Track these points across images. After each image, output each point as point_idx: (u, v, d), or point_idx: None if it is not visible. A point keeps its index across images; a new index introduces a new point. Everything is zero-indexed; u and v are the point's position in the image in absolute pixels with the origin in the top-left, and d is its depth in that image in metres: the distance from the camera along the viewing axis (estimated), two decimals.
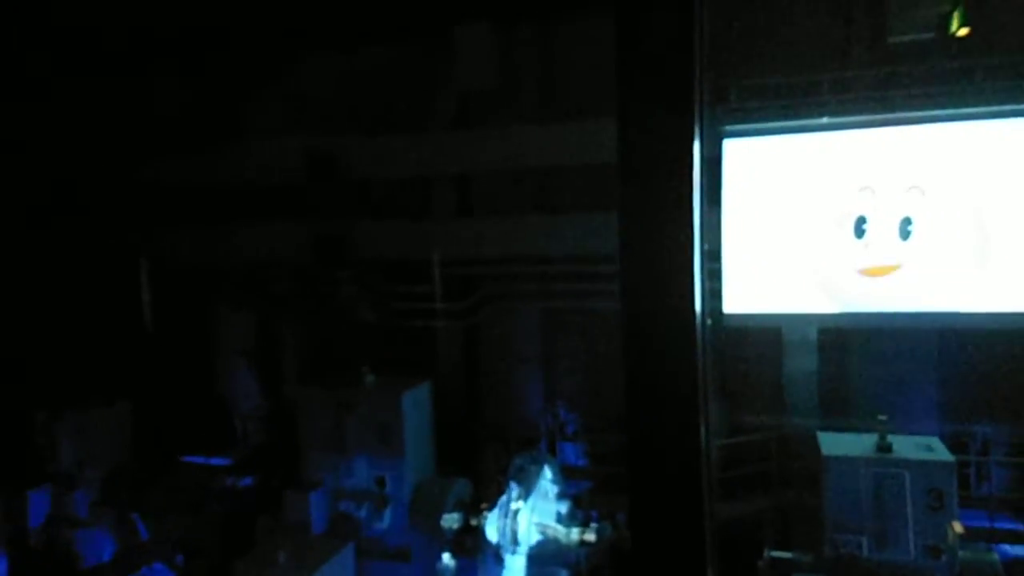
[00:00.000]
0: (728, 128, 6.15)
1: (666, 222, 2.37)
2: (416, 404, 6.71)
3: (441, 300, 7.62)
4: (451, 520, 5.86)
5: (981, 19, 5.89)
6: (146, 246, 8.70)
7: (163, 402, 7.97)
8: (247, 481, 7.37)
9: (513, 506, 5.59)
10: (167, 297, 8.71)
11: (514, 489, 5.68)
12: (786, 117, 6.12)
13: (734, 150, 6.19)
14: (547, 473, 6.06)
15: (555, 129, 7.19)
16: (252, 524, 6.60)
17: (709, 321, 2.70)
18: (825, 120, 6.01)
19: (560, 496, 6.09)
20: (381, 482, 6.49)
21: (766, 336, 6.84)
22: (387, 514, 6.44)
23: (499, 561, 5.71)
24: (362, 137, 7.90)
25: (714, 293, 6.20)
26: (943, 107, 5.77)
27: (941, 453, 5.53)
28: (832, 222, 6.04)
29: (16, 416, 7.24)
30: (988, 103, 5.68)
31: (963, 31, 5.80)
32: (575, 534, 5.68)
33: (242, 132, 8.37)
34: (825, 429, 6.12)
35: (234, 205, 8.37)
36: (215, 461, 7.57)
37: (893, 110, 5.88)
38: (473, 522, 5.79)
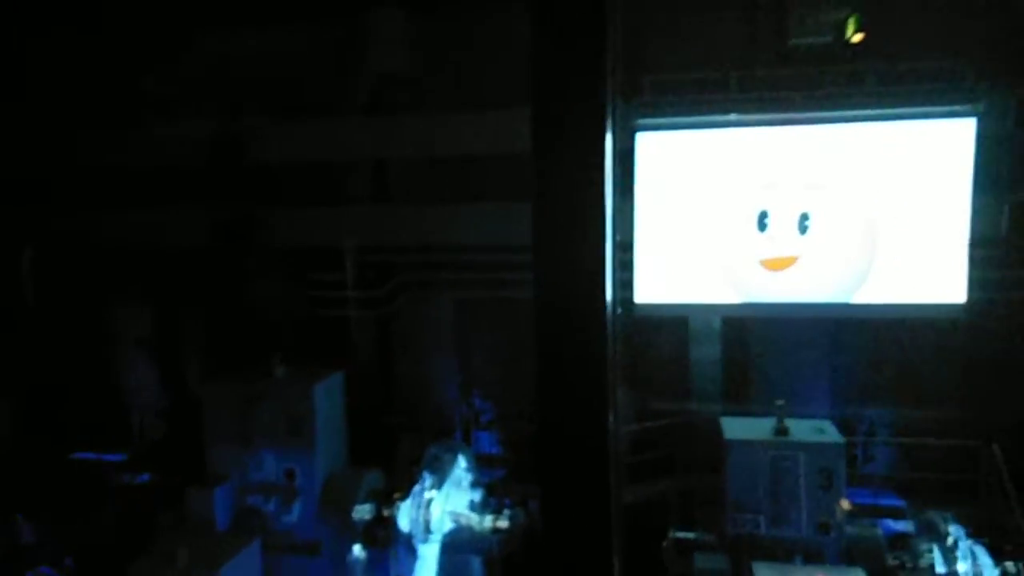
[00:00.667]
0: (641, 122, 6.31)
1: (579, 212, 2.39)
2: (328, 395, 6.57)
3: (356, 289, 7.47)
4: (362, 511, 5.80)
5: (875, 25, 6.27)
6: (34, 228, 8.07)
7: (52, 396, 7.45)
8: (144, 478, 7.01)
9: (426, 495, 5.59)
10: (57, 283, 8.11)
11: (427, 478, 5.68)
12: (697, 113, 6.33)
13: (647, 143, 6.34)
14: (461, 462, 6.08)
15: (473, 117, 7.15)
16: (151, 523, 6.28)
17: (620, 310, 2.75)
18: (733, 117, 6.26)
19: (474, 484, 6.12)
20: (291, 475, 6.33)
21: (674, 325, 7.09)
22: (296, 507, 6.28)
23: (411, 551, 5.69)
24: (274, 120, 7.61)
25: (626, 283, 6.35)
26: (839, 108, 6.12)
27: (832, 435, 5.90)
28: (738, 215, 6.30)
29: None
30: (879, 106, 6.07)
31: (858, 36, 6.18)
32: (488, 521, 5.74)
33: (148, 111, 7.89)
34: (728, 414, 6.42)
35: (139, 188, 7.88)
36: (109, 458, 7.15)
37: (794, 110, 6.19)
38: (386, 513, 5.76)
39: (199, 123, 7.69)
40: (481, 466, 6.52)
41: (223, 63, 7.77)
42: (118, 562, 5.94)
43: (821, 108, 6.14)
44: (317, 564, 6.16)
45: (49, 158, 7.96)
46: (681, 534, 5.83)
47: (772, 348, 6.85)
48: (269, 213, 7.68)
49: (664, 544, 5.75)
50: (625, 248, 6.31)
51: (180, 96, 7.93)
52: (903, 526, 5.78)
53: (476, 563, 5.90)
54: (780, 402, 6.00)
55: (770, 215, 6.22)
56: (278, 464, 6.33)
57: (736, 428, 6.07)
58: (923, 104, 5.97)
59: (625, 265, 6.35)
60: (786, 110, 6.17)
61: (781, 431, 5.91)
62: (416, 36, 7.15)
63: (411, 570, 5.64)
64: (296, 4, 7.53)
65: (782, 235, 6.20)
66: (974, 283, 5.96)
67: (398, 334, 7.82)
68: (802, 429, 5.97)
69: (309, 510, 6.24)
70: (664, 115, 6.36)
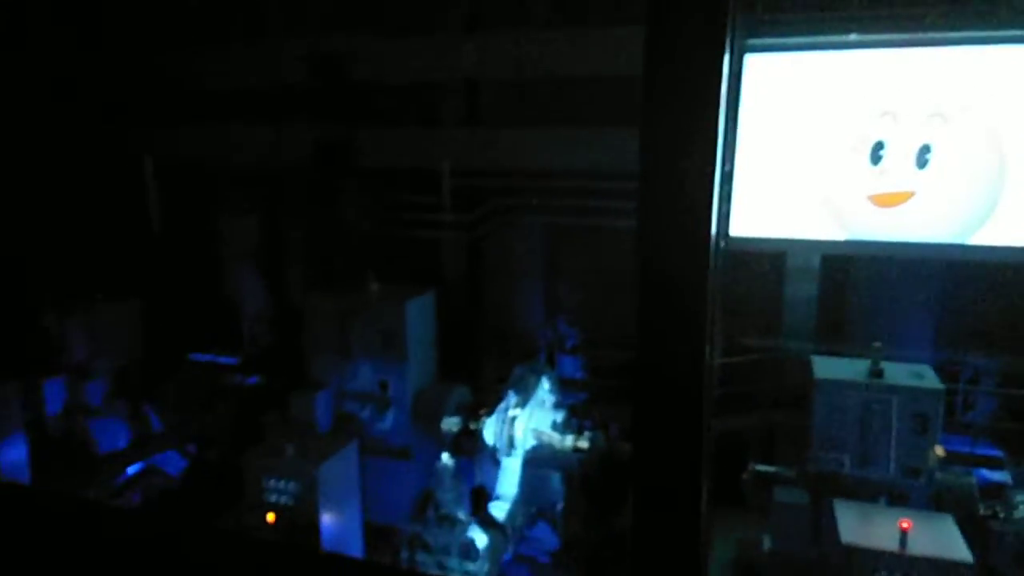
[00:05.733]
0: (751, 42, 5.88)
1: (691, 140, 2.33)
2: (420, 313, 6.78)
3: (448, 211, 7.57)
4: (451, 423, 6.08)
5: None
6: (150, 144, 8.57)
7: (172, 301, 8.07)
8: (253, 380, 7.57)
9: (511, 413, 5.78)
10: (172, 196, 8.66)
11: (512, 397, 5.86)
12: (813, 32, 5.83)
13: (755, 66, 5.95)
14: (545, 383, 6.24)
15: (573, 35, 6.89)
16: (259, 420, 6.84)
17: (724, 244, 2.71)
18: (854, 37, 5.71)
19: (556, 405, 6.29)
20: (384, 386, 6.65)
21: (768, 260, 6.86)
22: (389, 416, 6.64)
23: (495, 462, 5.96)
24: (369, 38, 7.60)
25: (723, 215, 6.14)
26: (977, 28, 5.51)
27: (931, 381, 5.64)
28: (848, 147, 5.90)
29: (29, 309, 7.37)
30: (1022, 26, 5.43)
31: None
32: (569, 441, 5.90)
33: (248, 30, 8.06)
34: (820, 354, 6.24)
35: (240, 105, 8.18)
36: (223, 360, 7.75)
37: (924, 29, 5.60)
38: (472, 426, 6.00)
39: (299, 43, 7.76)
40: (564, 389, 6.68)
41: None
42: (233, 452, 6.57)
43: (956, 27, 5.55)
44: (408, 468, 6.57)
45: (160, 76, 8.33)
46: (761, 467, 5.83)
47: (873, 288, 6.53)
48: (364, 133, 7.79)
49: (744, 476, 5.78)
50: (726, 178, 6.06)
51: (281, 16, 8.03)
52: (999, 476, 5.57)
53: (555, 478, 6.13)
54: (877, 344, 5.76)
55: (886, 147, 5.78)
56: (373, 375, 6.65)
57: (827, 368, 5.89)
58: None
59: (724, 196, 6.12)
60: (915, 29, 5.59)
61: (875, 373, 5.70)
62: None
63: (494, 479, 5.93)
64: None
65: (898, 169, 5.78)
66: None
67: (487, 258, 7.93)
68: (899, 373, 5.73)
69: (401, 419, 6.60)
70: (777, 35, 5.89)
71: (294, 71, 7.80)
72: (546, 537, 6.11)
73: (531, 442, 5.90)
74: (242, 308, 8.25)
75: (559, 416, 6.25)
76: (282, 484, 5.56)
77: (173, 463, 7.21)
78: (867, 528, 4.90)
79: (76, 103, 8.12)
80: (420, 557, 5.43)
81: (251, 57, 8.00)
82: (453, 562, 5.37)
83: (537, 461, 5.93)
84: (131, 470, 6.97)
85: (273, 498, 5.59)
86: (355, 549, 6.03)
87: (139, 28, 8.10)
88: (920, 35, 5.58)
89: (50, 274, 7.72)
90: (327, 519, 5.60)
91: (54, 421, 7.17)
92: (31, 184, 7.84)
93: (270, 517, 5.54)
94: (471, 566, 5.35)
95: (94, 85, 8.24)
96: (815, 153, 5.99)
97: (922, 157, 5.71)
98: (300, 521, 5.51)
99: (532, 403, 6.03)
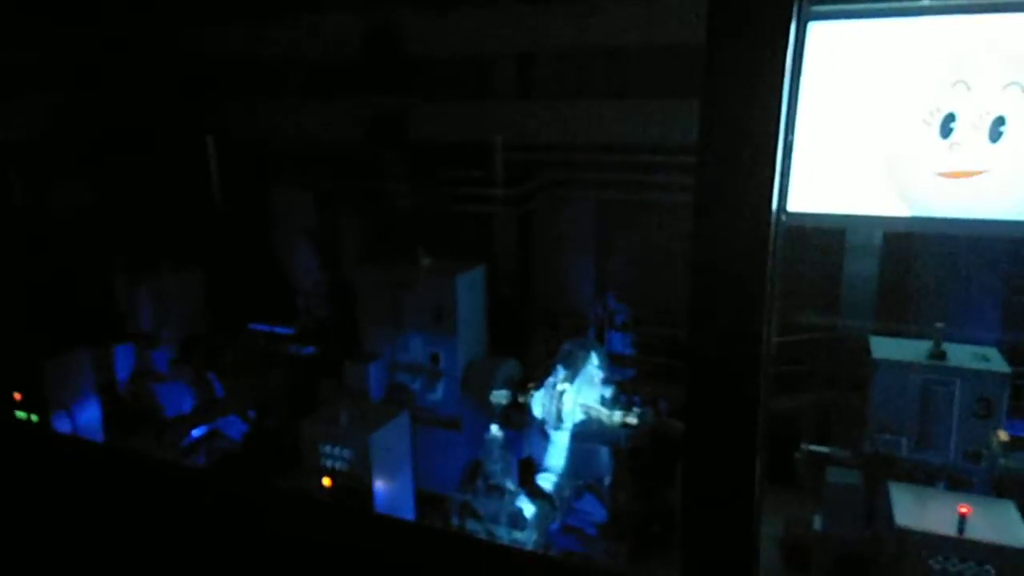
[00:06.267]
0: (817, 9, 5.59)
1: (753, 111, 2.29)
2: (470, 287, 6.84)
3: (498, 185, 7.58)
4: (500, 396, 6.15)
5: None
6: (207, 119, 8.79)
7: (231, 273, 8.34)
8: (309, 350, 7.80)
9: (559, 387, 5.83)
10: (230, 171, 8.90)
11: (561, 371, 5.90)
12: None
13: (819, 33, 5.68)
14: (594, 359, 6.25)
15: (629, 3, 6.72)
16: (315, 389, 7.07)
17: (784, 219, 2.67)
18: (927, 2, 5.39)
19: (605, 381, 6.30)
20: (435, 358, 6.76)
21: (827, 236, 6.66)
22: (440, 387, 6.76)
23: (544, 435, 6.03)
24: (419, 10, 7.58)
25: (783, 189, 5.97)
26: None
27: (997, 363, 5.43)
28: (915, 118, 5.62)
29: (101, 278, 7.74)
30: None
31: None
32: (617, 416, 5.91)
33: (300, 3, 8.13)
34: (880, 334, 6.06)
35: (291, 80, 8.30)
36: (280, 331, 7.99)
37: None
38: (520, 399, 6.07)
39: (350, 16, 7.80)
40: (613, 365, 6.67)
41: None
42: (290, 418, 6.82)
43: None
44: (458, 438, 6.70)
45: (215, 50, 8.50)
46: (814, 447, 5.74)
47: (940, 268, 6.29)
48: (414, 107, 7.82)
49: (796, 456, 5.71)
50: (786, 152, 5.88)
51: None
52: None
53: (604, 452, 6.18)
54: (940, 325, 5.57)
55: (958, 119, 5.48)
56: (424, 347, 6.77)
57: (886, 348, 5.73)
58: None
59: (783, 170, 5.95)
60: None
61: (937, 355, 5.52)
62: None
63: (543, 451, 6.01)
64: None
65: (970, 143, 5.48)
66: None
67: (538, 232, 7.92)
68: (962, 355, 5.54)
69: (451, 391, 6.71)
70: (844, 1, 5.60)
71: (344, 46, 7.85)
72: (594, 510, 6.18)
73: (579, 416, 5.95)
74: (297, 280, 8.46)
75: (608, 392, 6.26)
76: (337, 450, 5.75)
77: (235, 427, 7.53)
78: (923, 512, 4.79)
79: (140, 78, 8.38)
80: (470, 525, 5.57)
81: (303, 31, 8.07)
82: (502, 530, 5.48)
83: (585, 435, 5.98)
84: (196, 433, 7.31)
85: (328, 463, 5.79)
86: (408, 514, 6.22)
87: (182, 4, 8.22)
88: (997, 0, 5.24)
89: (121, 246, 8.08)
90: (380, 485, 5.77)
91: (124, 385, 7.56)
92: (104, 158, 8.16)
93: (326, 481, 5.75)
94: (519, 534, 5.45)
95: (155, 59, 8.48)
96: (880, 125, 5.69)
97: (996, 130, 5.38)
98: (354, 486, 5.70)
99: (581, 378, 6.05)
